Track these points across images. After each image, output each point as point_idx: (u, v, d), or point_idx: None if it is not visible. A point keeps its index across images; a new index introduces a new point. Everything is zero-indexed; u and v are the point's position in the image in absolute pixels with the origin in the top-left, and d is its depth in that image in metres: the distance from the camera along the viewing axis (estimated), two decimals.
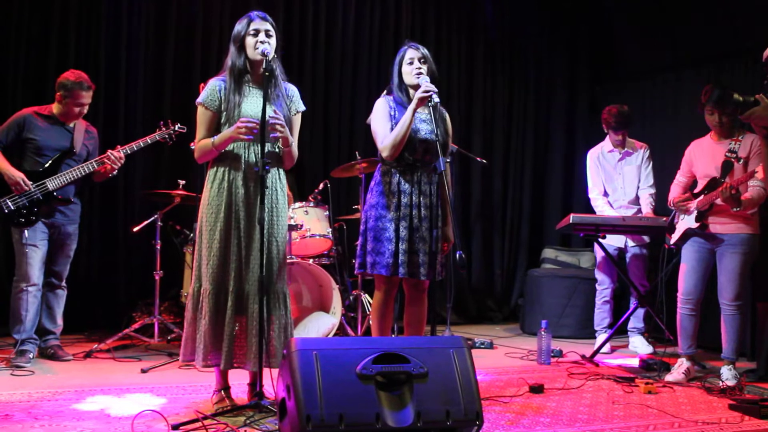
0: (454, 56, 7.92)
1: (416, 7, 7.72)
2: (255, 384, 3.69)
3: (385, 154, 4.05)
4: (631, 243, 6.07)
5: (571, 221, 5.47)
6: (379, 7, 7.53)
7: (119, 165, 5.01)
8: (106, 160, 4.96)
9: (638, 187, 6.07)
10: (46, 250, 4.99)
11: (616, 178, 6.12)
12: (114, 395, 4.05)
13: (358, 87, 7.42)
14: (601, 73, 8.29)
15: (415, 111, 3.96)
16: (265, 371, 3.62)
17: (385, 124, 4.07)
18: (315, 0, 7.22)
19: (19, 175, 4.83)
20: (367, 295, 5.92)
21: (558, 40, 8.31)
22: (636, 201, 6.09)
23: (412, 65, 4.08)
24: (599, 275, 6.20)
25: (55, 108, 5.07)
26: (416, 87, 4.05)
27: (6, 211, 4.81)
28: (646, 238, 6.01)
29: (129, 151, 5.05)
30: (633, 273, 6.04)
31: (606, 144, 6.18)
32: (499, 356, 5.74)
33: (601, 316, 6.14)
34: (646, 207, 5.92)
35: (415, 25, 7.69)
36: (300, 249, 5.86)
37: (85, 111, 5.10)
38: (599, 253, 5.98)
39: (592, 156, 6.23)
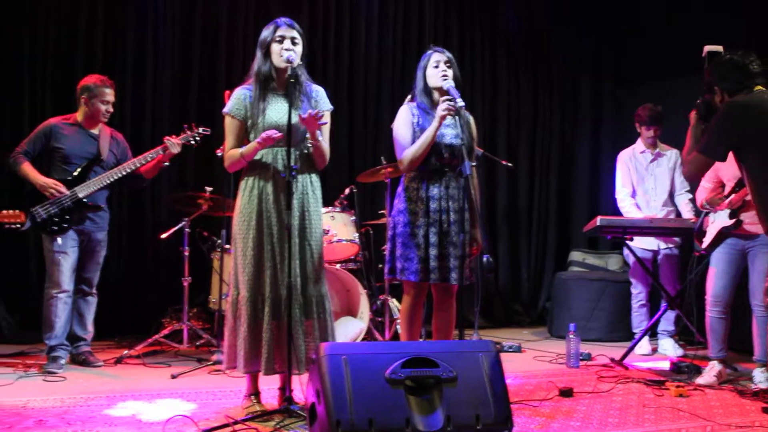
0: (477, 60, 7.92)
1: (439, 11, 7.73)
2: (285, 389, 3.70)
3: (402, 167, 4.12)
4: (663, 245, 6.03)
5: (598, 223, 5.43)
6: (402, 12, 7.55)
7: (178, 150, 5.10)
8: (166, 141, 5.06)
9: (670, 191, 6.05)
10: (76, 258, 5.04)
11: (647, 180, 6.09)
12: (145, 401, 4.09)
13: (383, 91, 7.44)
14: (626, 75, 8.23)
15: (437, 129, 3.97)
16: (295, 376, 3.63)
17: (405, 134, 4.09)
18: (338, 5, 7.26)
19: (51, 181, 4.90)
20: (394, 299, 5.93)
21: (582, 42, 8.27)
22: (667, 203, 6.06)
23: (438, 68, 4.10)
24: (633, 279, 6.19)
25: (79, 115, 5.14)
26: (441, 90, 4.08)
27: (38, 219, 4.88)
28: (678, 240, 5.97)
29: (180, 141, 5.13)
30: (665, 275, 6.00)
31: (638, 145, 6.16)
32: (528, 360, 5.72)
33: (639, 319, 6.13)
34: (688, 213, 5.87)
35: (438, 29, 7.69)
36: (327, 254, 5.85)
37: (111, 110, 5.17)
38: (631, 257, 5.94)
39: (623, 157, 6.21)
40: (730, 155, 4.01)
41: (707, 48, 4.36)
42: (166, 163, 5.18)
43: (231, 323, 3.77)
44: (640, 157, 6.14)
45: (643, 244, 6.03)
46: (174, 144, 5.08)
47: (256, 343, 3.69)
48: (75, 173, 5.01)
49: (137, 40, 6.52)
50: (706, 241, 4.91)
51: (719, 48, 4.31)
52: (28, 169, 4.95)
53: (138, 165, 5.09)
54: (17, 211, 4.82)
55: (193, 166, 6.61)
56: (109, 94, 5.13)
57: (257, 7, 6.87)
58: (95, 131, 5.17)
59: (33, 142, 5.05)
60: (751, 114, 3.88)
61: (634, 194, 6.14)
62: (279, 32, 3.78)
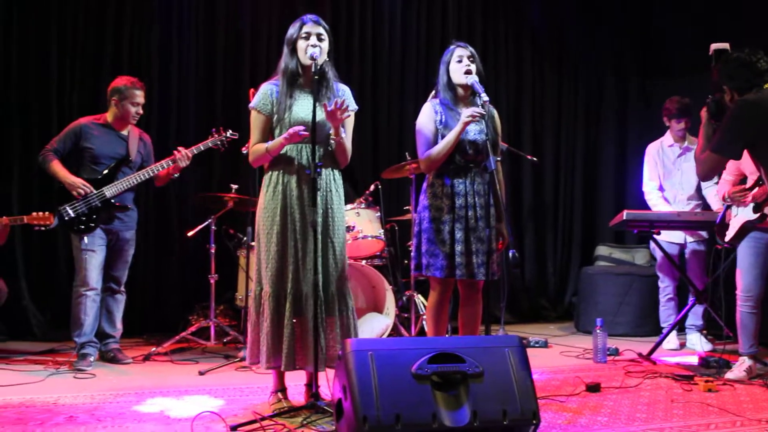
0: (501, 54, 7.88)
1: (463, 5, 7.70)
2: (311, 385, 3.71)
3: (422, 166, 4.15)
4: (690, 239, 5.98)
5: (624, 218, 5.39)
6: (425, 6, 7.54)
7: (187, 163, 5.11)
8: (176, 154, 5.07)
9: (697, 186, 5.99)
10: (104, 256, 5.10)
11: (674, 174, 6.04)
12: (173, 397, 4.12)
13: (407, 87, 7.43)
14: (652, 68, 8.16)
15: (459, 134, 3.97)
16: (321, 372, 3.64)
17: (427, 133, 4.11)
18: (362, 1, 7.27)
19: (79, 180, 4.96)
20: (420, 295, 5.92)
21: (607, 34, 8.21)
22: (694, 197, 6.01)
23: (461, 63, 4.10)
24: (660, 273, 6.15)
25: (109, 116, 5.19)
26: (464, 86, 4.09)
27: (66, 218, 4.94)
28: (705, 234, 5.92)
29: (192, 154, 5.15)
30: (692, 269, 5.95)
31: (666, 139, 6.11)
32: (554, 355, 5.69)
33: (667, 313, 6.08)
34: (716, 204, 5.82)
35: (461, 23, 7.67)
36: (352, 250, 5.87)
37: (141, 112, 5.22)
38: (658, 251, 5.90)
39: (651, 151, 6.16)
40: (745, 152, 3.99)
41: (713, 46, 4.32)
42: (176, 175, 5.21)
43: (254, 319, 3.79)
44: (668, 151, 6.09)
45: (670, 237, 5.99)
46: (183, 158, 5.10)
47: (278, 339, 3.70)
48: (104, 173, 5.06)
49: (162, 41, 6.58)
50: (729, 234, 4.85)
51: (726, 45, 4.27)
52: (57, 168, 5.02)
53: (154, 172, 5.13)
54: (46, 213, 4.91)
55: (219, 164, 6.64)
56: (139, 96, 5.19)
57: (281, 7, 6.88)
58: (125, 132, 5.22)
59: (63, 140, 5.11)
60: (762, 112, 3.86)
61: (661, 188, 6.10)
62: (305, 29, 3.79)
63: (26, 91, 6.18)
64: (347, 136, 3.87)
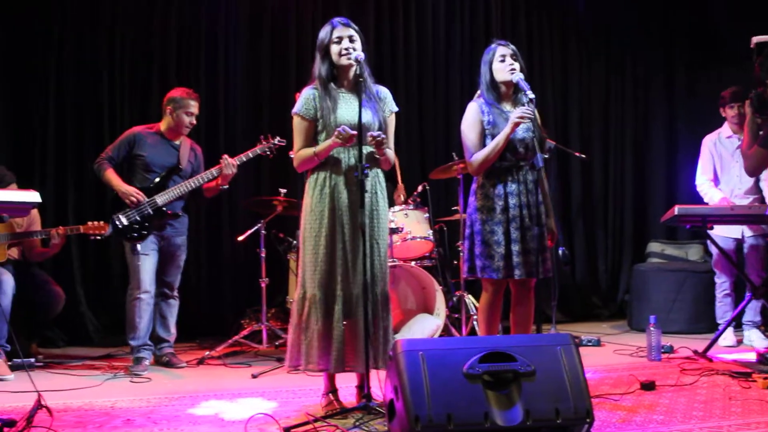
0: (546, 51, 7.80)
1: (506, 2, 7.66)
2: (363, 386, 3.72)
3: (471, 169, 4.12)
4: (748, 233, 5.85)
5: (676, 213, 5.30)
6: (468, 5, 7.51)
7: (233, 171, 5.16)
8: (222, 162, 5.12)
9: (756, 179, 5.86)
10: (156, 261, 5.18)
11: (732, 166, 5.90)
12: (227, 400, 4.17)
13: (452, 87, 7.41)
14: (700, 58, 8.01)
15: (509, 134, 3.96)
16: (373, 373, 3.65)
17: (473, 135, 4.09)
18: (405, 2, 7.27)
19: (132, 189, 5.05)
20: (470, 296, 5.90)
21: (654, 25, 8.08)
22: (751, 191, 5.87)
23: (504, 62, 4.08)
24: (716, 269, 6.03)
25: (162, 126, 5.28)
26: (508, 83, 4.08)
27: (120, 226, 5.02)
28: (765, 228, 5.78)
29: (238, 162, 5.21)
30: (751, 264, 5.82)
31: (724, 130, 5.97)
32: (608, 353, 5.63)
33: (723, 309, 5.96)
34: None
35: (505, 20, 7.61)
36: (402, 252, 5.88)
37: (194, 122, 5.30)
38: (714, 247, 5.79)
39: (707, 142, 6.03)
40: None
41: (755, 39, 4.20)
42: (225, 186, 5.24)
43: (295, 321, 3.80)
44: (726, 142, 5.95)
45: (727, 232, 5.86)
46: (229, 165, 5.14)
47: (326, 341, 3.71)
48: (156, 181, 5.15)
49: (209, 52, 6.69)
50: None
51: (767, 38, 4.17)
52: (111, 176, 5.11)
53: (204, 180, 5.18)
54: (101, 222, 5.03)
55: (268, 168, 6.70)
56: (194, 107, 5.26)
57: (324, 8, 6.91)
58: (177, 142, 5.30)
59: (117, 148, 5.21)
60: None
61: (716, 182, 5.97)
62: (335, 33, 3.79)
63: (81, 98, 6.34)
64: (389, 138, 3.89)
